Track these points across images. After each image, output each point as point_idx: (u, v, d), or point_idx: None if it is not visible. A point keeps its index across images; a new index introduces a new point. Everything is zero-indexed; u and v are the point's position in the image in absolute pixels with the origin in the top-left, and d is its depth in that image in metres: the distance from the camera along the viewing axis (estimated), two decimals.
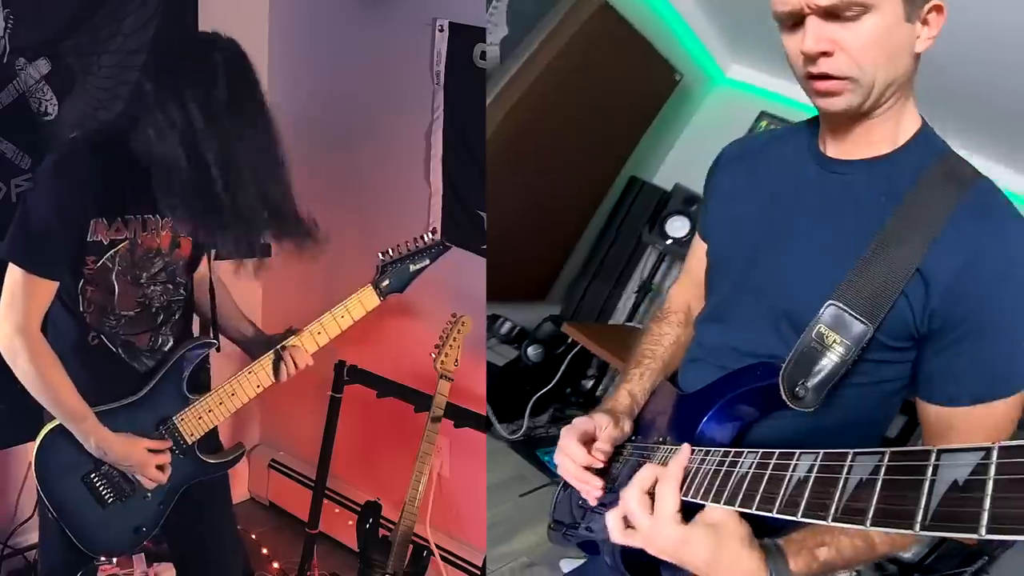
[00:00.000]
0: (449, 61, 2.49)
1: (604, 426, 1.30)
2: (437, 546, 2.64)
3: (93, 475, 1.71)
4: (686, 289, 1.54)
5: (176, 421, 1.76)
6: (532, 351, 3.87)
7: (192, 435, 1.78)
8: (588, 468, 1.27)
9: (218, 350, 1.85)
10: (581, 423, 1.31)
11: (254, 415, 3.24)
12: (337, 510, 2.91)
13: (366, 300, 1.92)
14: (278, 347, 1.82)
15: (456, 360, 2.28)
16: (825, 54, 1.06)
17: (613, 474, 1.30)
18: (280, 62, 2.89)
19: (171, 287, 1.74)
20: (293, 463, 3.13)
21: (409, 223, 2.66)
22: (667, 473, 1.02)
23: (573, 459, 1.27)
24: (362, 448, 2.90)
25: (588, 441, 1.29)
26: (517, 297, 4.07)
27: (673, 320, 1.53)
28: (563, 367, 3.93)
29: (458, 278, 2.62)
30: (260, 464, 3.18)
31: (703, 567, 0.99)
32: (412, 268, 1.96)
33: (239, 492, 3.22)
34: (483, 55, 2.43)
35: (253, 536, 2.92)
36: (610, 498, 1.30)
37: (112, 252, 1.61)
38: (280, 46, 2.85)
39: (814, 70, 1.08)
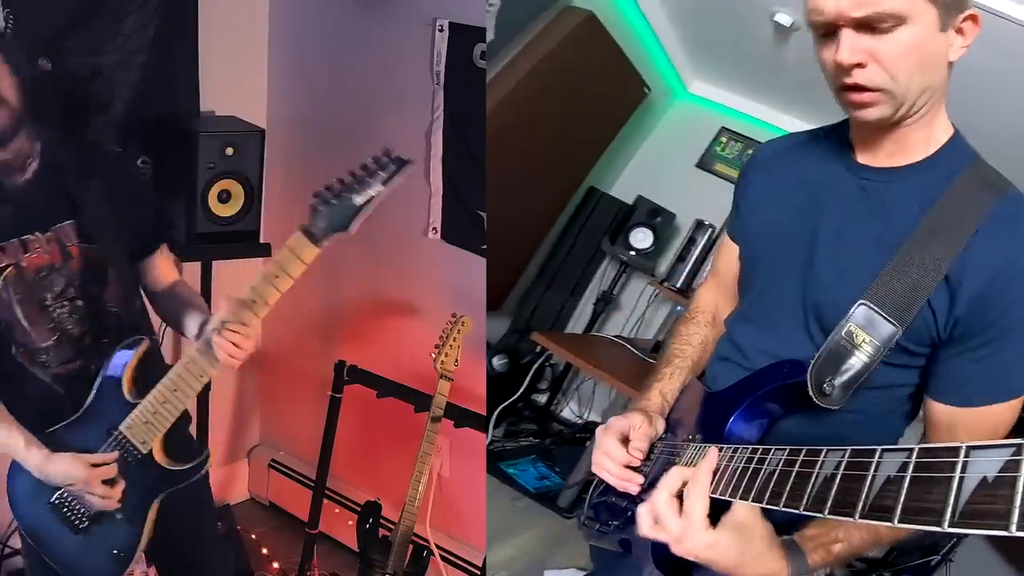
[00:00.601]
0: (449, 61, 2.48)
1: (638, 425, 1.32)
2: (437, 546, 2.63)
3: (57, 500, 1.64)
4: (713, 290, 1.56)
5: (123, 430, 1.64)
6: (497, 361, 3.82)
7: (144, 442, 1.65)
8: (627, 466, 1.30)
9: (156, 345, 1.74)
10: (617, 423, 1.33)
11: (254, 415, 3.24)
12: (337, 510, 2.91)
13: (298, 250, 1.55)
14: (210, 328, 1.57)
15: (456, 360, 2.28)
16: (859, 65, 1.06)
17: (644, 472, 1.31)
18: (280, 62, 2.89)
19: (82, 304, 1.67)
20: (293, 463, 3.12)
21: (409, 223, 2.67)
22: (696, 478, 1.03)
23: (614, 458, 1.29)
24: (362, 448, 2.90)
25: (624, 439, 1.31)
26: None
27: (701, 320, 1.54)
28: (528, 377, 3.88)
29: (458, 278, 2.62)
30: (260, 464, 3.17)
31: (729, 567, 1.01)
32: (357, 200, 1.54)
33: (239, 492, 3.22)
34: (483, 55, 2.43)
35: (253, 536, 2.91)
36: (642, 496, 1.32)
37: None
38: (280, 46, 2.84)
39: (848, 81, 1.08)
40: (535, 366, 3.91)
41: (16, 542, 2.44)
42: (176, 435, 1.70)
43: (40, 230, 1.60)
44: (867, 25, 1.04)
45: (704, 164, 4.23)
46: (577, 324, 4.36)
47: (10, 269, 1.58)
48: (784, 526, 1.06)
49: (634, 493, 1.30)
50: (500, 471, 3.54)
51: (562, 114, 3.53)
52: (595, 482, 1.56)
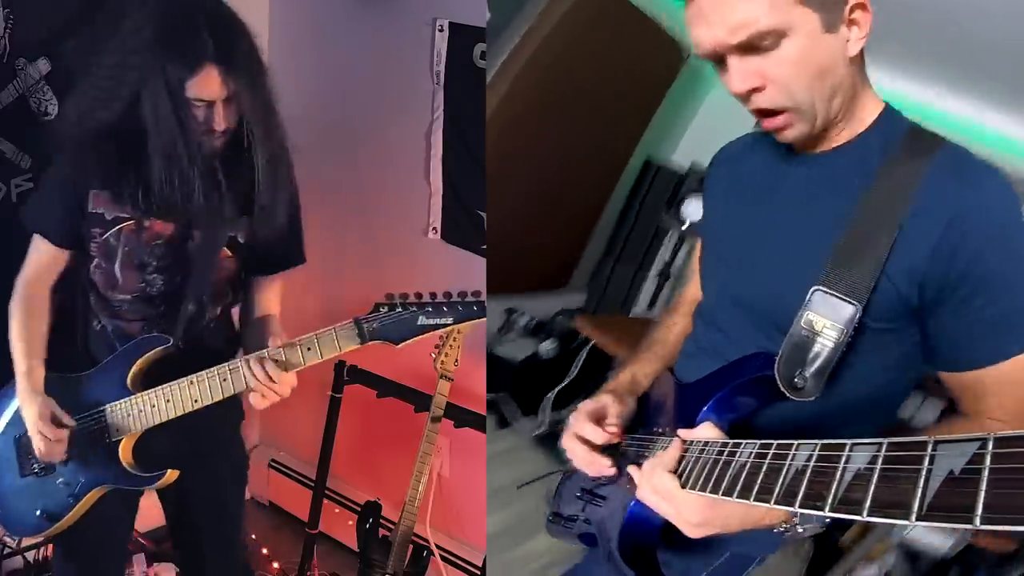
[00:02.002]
0: (449, 61, 2.48)
1: (609, 404, 1.32)
2: (437, 546, 2.64)
3: (24, 437, 1.67)
4: (694, 284, 1.57)
5: (107, 410, 1.66)
6: (545, 346, 3.80)
7: (117, 433, 1.65)
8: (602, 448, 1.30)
9: (177, 347, 1.70)
10: (590, 405, 1.33)
11: (253, 415, 3.23)
12: (337, 510, 2.92)
13: (343, 341, 1.56)
14: (248, 358, 1.58)
15: (456, 360, 2.28)
16: (756, 90, 1.05)
17: (616, 463, 1.31)
18: (279, 62, 2.89)
19: (177, 278, 1.69)
20: (293, 463, 3.14)
21: (409, 223, 2.67)
22: (662, 460, 1.07)
23: (591, 439, 1.28)
24: (362, 448, 2.90)
25: (597, 420, 1.31)
26: (534, 288, 3.98)
27: (682, 311, 1.55)
28: (580, 361, 3.81)
29: (458, 278, 2.62)
30: (260, 464, 3.18)
31: (739, 518, 1.04)
32: (422, 321, 1.55)
33: None
34: (483, 55, 2.43)
35: (253, 536, 2.91)
36: (609, 489, 1.34)
37: (116, 229, 1.62)
38: (279, 46, 2.84)
39: (752, 107, 1.08)
40: (585, 349, 3.79)
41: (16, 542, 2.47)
42: (153, 443, 1.70)
43: (185, 203, 1.58)
44: (750, 48, 1.02)
45: None
46: (645, 299, 4.30)
47: (129, 224, 1.63)
48: None
49: (606, 477, 1.30)
50: (558, 453, 3.54)
51: (591, 86, 3.45)
52: (560, 480, 1.58)
